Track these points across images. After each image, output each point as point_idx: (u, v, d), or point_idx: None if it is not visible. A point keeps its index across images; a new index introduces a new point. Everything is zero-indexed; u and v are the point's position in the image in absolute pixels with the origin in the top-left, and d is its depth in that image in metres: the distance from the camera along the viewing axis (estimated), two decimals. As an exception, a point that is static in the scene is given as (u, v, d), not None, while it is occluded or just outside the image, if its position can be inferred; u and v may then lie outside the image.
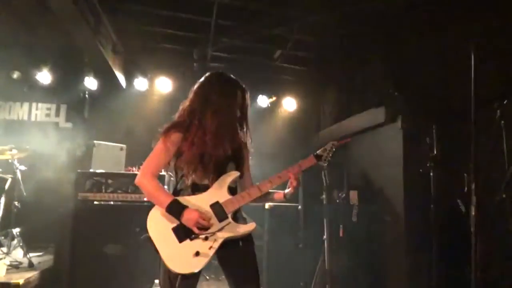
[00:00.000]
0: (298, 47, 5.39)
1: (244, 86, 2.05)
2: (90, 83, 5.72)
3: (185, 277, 1.75)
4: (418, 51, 3.85)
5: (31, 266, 4.17)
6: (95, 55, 5.01)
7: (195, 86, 2.03)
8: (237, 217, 1.92)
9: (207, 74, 2.06)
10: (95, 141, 4.67)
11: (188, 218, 1.76)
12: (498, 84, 2.78)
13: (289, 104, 6.40)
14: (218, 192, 1.89)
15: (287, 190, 2.03)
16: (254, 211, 5.46)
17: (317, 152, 2.10)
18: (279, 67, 6.10)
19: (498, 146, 2.56)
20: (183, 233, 1.79)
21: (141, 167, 1.92)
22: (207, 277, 4.84)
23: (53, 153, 5.55)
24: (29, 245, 4.51)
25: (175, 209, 1.80)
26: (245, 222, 1.93)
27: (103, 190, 3.90)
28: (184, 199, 1.84)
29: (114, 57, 5.43)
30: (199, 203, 1.84)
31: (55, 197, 4.84)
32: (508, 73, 2.80)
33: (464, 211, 2.62)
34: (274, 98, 6.31)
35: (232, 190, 1.96)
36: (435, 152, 3.20)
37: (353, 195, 4.23)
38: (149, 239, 1.79)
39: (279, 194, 2.08)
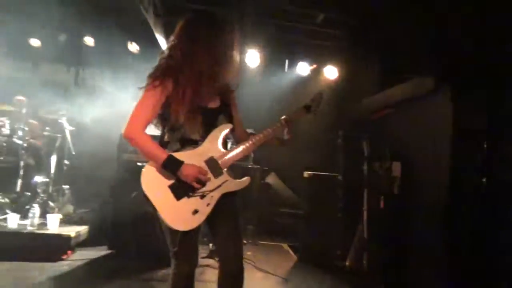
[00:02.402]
0: (342, 10, 5.13)
1: (232, 23, 1.92)
2: (133, 48, 5.79)
3: (185, 233, 1.75)
4: (474, 16, 3.56)
5: (80, 220, 4.43)
6: (138, 19, 5.02)
7: (178, 29, 1.87)
8: (230, 171, 1.87)
9: (188, 16, 1.89)
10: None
11: (187, 173, 1.72)
12: None
13: (331, 72, 6.20)
14: (211, 147, 1.83)
15: (285, 137, 2.03)
16: (292, 179, 5.45)
17: (307, 103, 2.06)
18: (321, 33, 5.87)
19: None
20: (180, 190, 1.75)
21: (129, 119, 1.75)
22: (245, 241, 4.95)
23: (99, 115, 5.73)
24: (77, 201, 4.79)
25: (172, 165, 1.73)
26: (233, 174, 1.89)
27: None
28: (178, 155, 1.76)
29: (156, 21, 5.42)
30: (193, 158, 1.77)
31: (101, 157, 5.05)
32: None
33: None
34: (314, 66, 6.14)
35: (224, 144, 1.90)
36: (486, 124, 3.01)
37: (396, 166, 4.10)
38: (145, 197, 1.74)
39: (280, 139, 2.05)
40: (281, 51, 6.09)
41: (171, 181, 1.76)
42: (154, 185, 1.75)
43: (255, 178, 5.51)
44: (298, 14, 5.45)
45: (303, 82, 6.27)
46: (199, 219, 1.76)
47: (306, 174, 4.77)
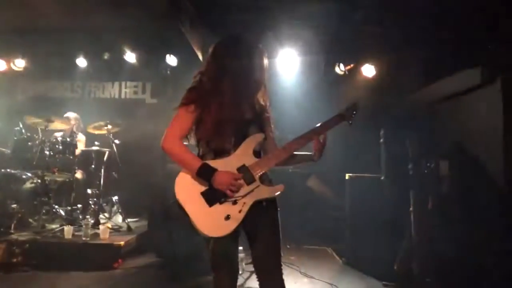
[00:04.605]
0: (380, 5, 4.98)
1: (260, 46, 1.97)
2: (171, 60, 5.96)
3: (219, 239, 1.78)
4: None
5: (129, 230, 4.62)
6: (175, 32, 5.17)
7: (209, 51, 1.98)
8: (264, 179, 1.89)
9: (220, 39, 2.00)
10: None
11: (221, 180, 1.76)
12: None
13: (368, 70, 6.03)
14: (243, 156, 1.86)
15: (314, 152, 1.98)
16: (334, 181, 5.36)
17: (340, 111, 2.03)
18: (358, 30, 5.73)
19: None
20: (212, 197, 1.79)
21: (165, 131, 1.87)
22: (288, 246, 4.94)
23: (142, 127, 5.95)
24: (126, 211, 5.00)
25: (206, 173, 1.78)
26: (271, 184, 1.91)
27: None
28: (212, 163, 1.82)
29: (192, 32, 5.56)
30: (226, 167, 1.82)
31: (146, 167, 5.24)
32: None
33: None
34: (351, 65, 6.01)
35: (257, 154, 1.92)
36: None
37: (443, 165, 3.91)
38: (178, 204, 1.79)
39: (307, 155, 2.02)
40: (317, 53, 6.03)
41: (203, 188, 1.80)
42: (187, 192, 1.80)
43: (296, 182, 5.48)
44: (334, 15, 5.36)
45: (340, 83, 6.15)
46: (232, 225, 1.77)
47: (347, 176, 4.67)
